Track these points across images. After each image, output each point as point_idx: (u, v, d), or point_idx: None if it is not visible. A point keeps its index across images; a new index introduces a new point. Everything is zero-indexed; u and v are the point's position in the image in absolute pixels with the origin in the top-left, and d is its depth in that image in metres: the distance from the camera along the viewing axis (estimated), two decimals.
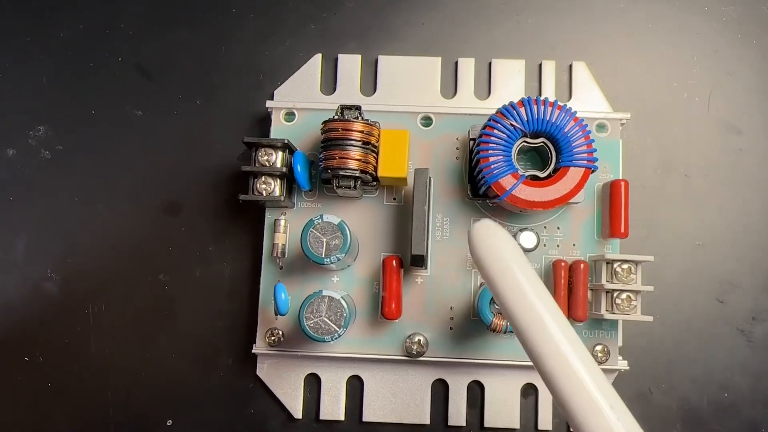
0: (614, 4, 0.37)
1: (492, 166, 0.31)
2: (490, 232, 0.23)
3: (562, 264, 0.32)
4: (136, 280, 0.35)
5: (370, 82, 0.36)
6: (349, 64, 0.36)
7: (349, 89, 0.36)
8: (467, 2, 0.37)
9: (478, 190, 0.33)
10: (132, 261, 0.36)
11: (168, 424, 0.34)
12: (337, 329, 0.30)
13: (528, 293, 0.22)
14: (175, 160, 0.36)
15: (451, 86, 0.36)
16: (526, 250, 0.32)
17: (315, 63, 0.36)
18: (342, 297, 0.30)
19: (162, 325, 0.35)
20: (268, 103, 0.35)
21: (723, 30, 0.37)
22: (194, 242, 0.36)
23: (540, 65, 0.36)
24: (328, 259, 0.30)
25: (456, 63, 0.36)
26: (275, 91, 0.36)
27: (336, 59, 0.36)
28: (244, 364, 0.35)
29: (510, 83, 0.36)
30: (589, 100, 0.36)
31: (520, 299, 0.22)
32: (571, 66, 0.36)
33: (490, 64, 0.36)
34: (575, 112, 0.31)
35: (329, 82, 0.36)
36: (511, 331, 0.31)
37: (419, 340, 0.33)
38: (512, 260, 0.23)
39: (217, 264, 0.35)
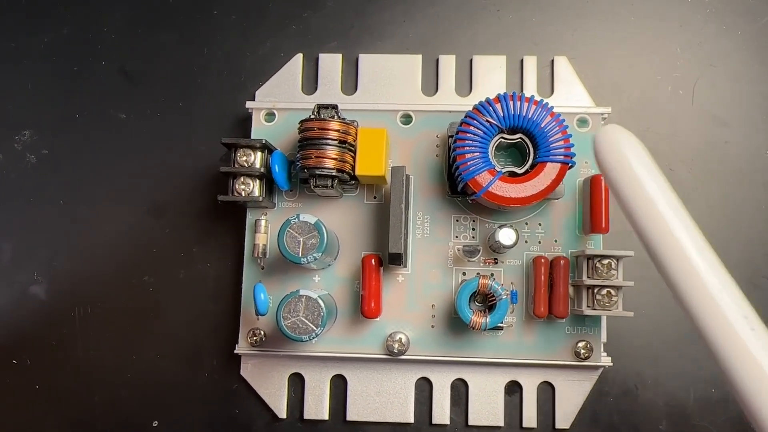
0: None
1: (468, 163, 0.30)
2: (616, 137, 0.21)
3: (542, 260, 0.32)
4: (121, 282, 0.36)
5: (351, 81, 0.36)
6: (330, 64, 0.36)
7: (330, 88, 0.36)
8: None
9: (457, 188, 0.32)
10: (117, 263, 0.36)
11: (154, 425, 0.35)
12: (315, 329, 0.30)
13: (661, 211, 0.20)
14: (159, 163, 0.36)
15: (432, 84, 0.36)
16: (505, 247, 0.31)
17: (296, 63, 0.36)
18: (319, 296, 0.30)
19: (147, 327, 0.35)
20: (248, 104, 0.35)
21: (706, 21, 0.36)
22: (178, 244, 0.36)
23: (521, 61, 0.36)
24: (305, 259, 0.30)
25: (437, 60, 0.36)
26: (256, 92, 0.36)
27: (317, 59, 0.36)
28: (229, 365, 0.35)
29: (491, 79, 0.36)
30: (571, 95, 0.35)
31: (650, 217, 0.20)
32: (552, 61, 0.36)
33: (471, 60, 0.36)
34: (552, 107, 0.31)
35: (310, 82, 0.36)
36: (492, 329, 0.31)
37: (400, 339, 0.33)
38: (640, 170, 0.21)
39: (201, 265, 0.36)
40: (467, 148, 0.31)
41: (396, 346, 0.33)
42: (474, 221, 0.34)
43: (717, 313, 0.19)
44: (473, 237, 0.34)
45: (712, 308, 0.19)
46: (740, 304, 0.19)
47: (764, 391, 0.19)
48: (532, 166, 0.31)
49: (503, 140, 0.31)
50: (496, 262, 0.33)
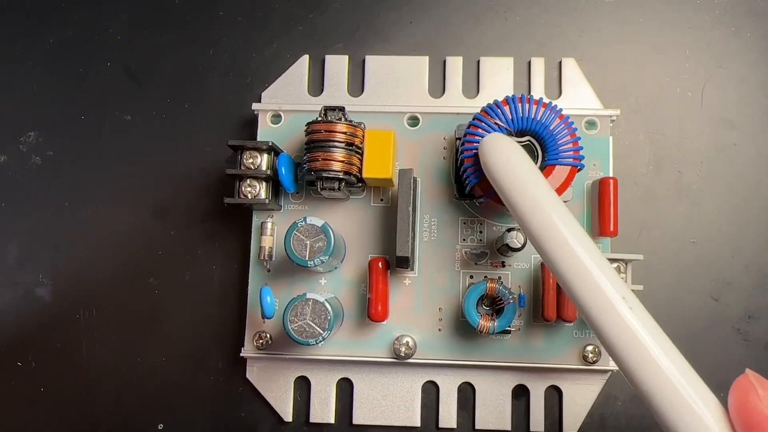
0: None
1: (476, 166, 0.30)
2: (499, 144, 0.27)
3: None
4: (126, 284, 0.36)
5: (357, 83, 0.36)
6: (337, 65, 0.36)
7: (336, 90, 0.36)
8: (455, 1, 0.37)
9: (464, 190, 0.32)
10: (122, 265, 0.36)
11: (159, 428, 0.34)
12: (322, 332, 0.30)
13: (543, 207, 0.24)
14: (165, 164, 0.36)
15: (439, 85, 0.36)
16: (513, 250, 0.31)
17: (302, 64, 0.36)
18: (326, 299, 0.30)
19: (152, 329, 0.35)
20: (254, 106, 0.35)
21: (715, 23, 0.36)
22: (183, 246, 0.36)
23: (529, 62, 0.36)
24: (312, 262, 0.30)
25: (444, 62, 0.36)
26: (262, 94, 0.36)
27: (323, 60, 0.36)
28: (234, 368, 0.35)
29: (499, 81, 0.35)
30: (579, 97, 0.35)
31: (535, 213, 0.24)
32: (560, 63, 0.36)
33: (478, 62, 0.36)
34: (561, 109, 0.31)
35: (317, 84, 0.36)
36: (499, 332, 0.31)
37: (407, 342, 0.33)
38: (521, 172, 0.26)
39: (207, 267, 0.35)
40: (475, 150, 0.30)
41: (403, 349, 0.33)
42: (481, 224, 0.33)
43: (599, 295, 0.22)
44: (480, 240, 0.33)
45: (594, 291, 0.22)
46: (617, 286, 0.22)
47: (645, 364, 0.21)
48: (541, 169, 0.31)
49: None
50: (504, 266, 0.33)
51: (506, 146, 0.27)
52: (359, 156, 0.32)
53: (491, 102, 0.31)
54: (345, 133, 0.31)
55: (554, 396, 0.33)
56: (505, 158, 0.26)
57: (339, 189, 0.31)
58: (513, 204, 0.25)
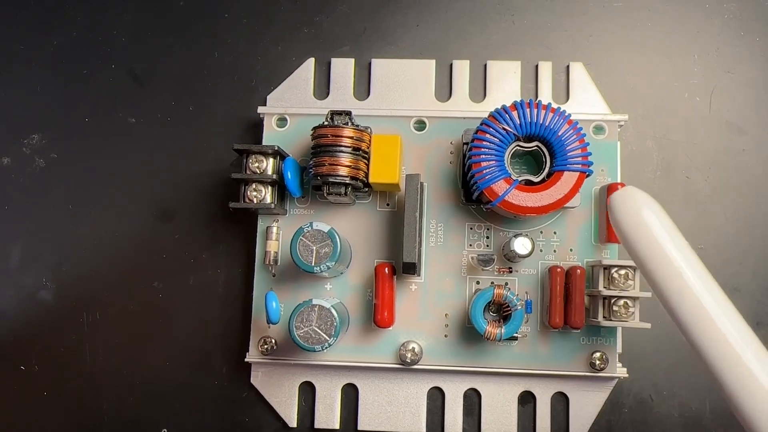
0: (612, 2, 0.36)
1: (484, 171, 0.30)
2: (633, 200, 0.22)
3: (558, 270, 0.31)
4: (130, 287, 0.35)
5: (363, 86, 0.36)
6: (342, 68, 0.36)
7: (342, 93, 0.36)
8: (461, 3, 0.37)
9: (471, 195, 0.32)
10: (126, 268, 0.35)
11: None
12: (328, 338, 0.30)
13: (682, 273, 0.21)
14: (169, 168, 0.36)
15: (445, 89, 0.36)
16: (520, 256, 0.31)
17: (308, 67, 0.36)
18: (333, 306, 0.30)
19: (156, 333, 0.35)
20: (260, 109, 0.35)
21: (724, 27, 0.36)
22: (188, 249, 0.35)
23: (536, 66, 0.36)
24: (318, 268, 0.30)
25: (451, 65, 0.36)
26: (268, 97, 0.36)
27: (329, 63, 0.36)
28: (238, 372, 0.34)
29: (506, 85, 0.35)
30: (586, 102, 0.35)
31: (672, 282, 0.21)
32: (568, 67, 0.35)
33: (485, 66, 0.36)
34: (569, 114, 0.30)
35: (322, 87, 0.36)
36: (507, 339, 0.31)
37: (413, 348, 0.32)
38: (659, 233, 0.21)
39: (211, 271, 0.35)
40: (483, 156, 0.30)
41: (409, 355, 0.32)
42: (488, 229, 0.33)
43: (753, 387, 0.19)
44: (487, 246, 0.33)
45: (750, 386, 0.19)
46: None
47: None
48: (549, 175, 0.31)
49: (519, 148, 0.31)
50: (511, 272, 0.33)
51: (644, 205, 0.22)
52: (366, 161, 0.32)
53: (499, 107, 0.31)
54: (352, 137, 0.31)
55: (561, 403, 0.33)
56: (642, 221, 0.22)
57: (345, 194, 0.31)
58: (649, 274, 0.22)
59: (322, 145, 0.31)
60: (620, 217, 0.22)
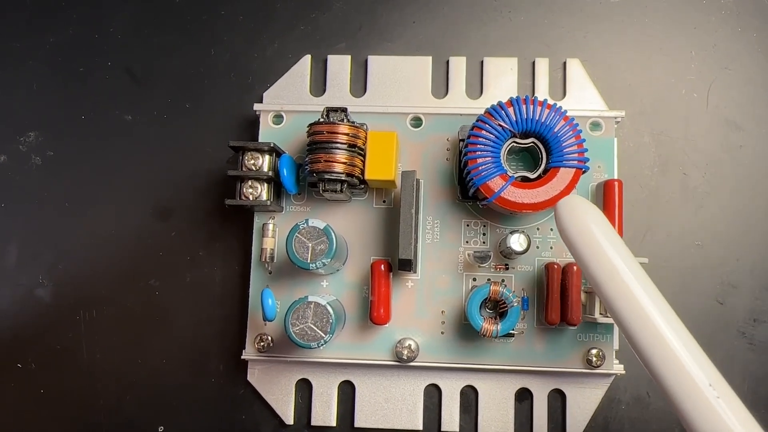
0: None
1: (480, 168, 0.30)
2: (577, 208, 0.24)
3: (555, 266, 0.31)
4: (127, 285, 0.35)
5: (359, 83, 0.36)
6: (339, 65, 0.36)
7: (338, 90, 0.36)
8: (458, 0, 0.36)
9: (468, 192, 0.32)
10: (123, 266, 0.35)
11: (159, 430, 0.34)
12: (323, 335, 0.30)
13: (622, 275, 0.23)
14: (166, 165, 0.36)
15: (442, 86, 0.36)
16: (517, 253, 0.31)
17: (304, 64, 0.36)
18: (328, 303, 0.30)
19: (153, 331, 0.35)
20: (256, 106, 0.35)
21: (721, 23, 0.36)
22: (184, 247, 0.35)
23: (533, 63, 0.35)
24: (314, 265, 0.30)
25: (447, 62, 0.36)
26: (264, 94, 0.36)
27: (325, 60, 0.36)
28: (235, 370, 0.34)
29: (502, 82, 0.35)
30: (583, 98, 0.35)
31: (613, 281, 0.23)
32: (565, 63, 0.35)
33: (482, 62, 0.36)
34: (566, 111, 0.30)
35: (319, 84, 0.36)
36: (503, 336, 0.31)
37: (410, 345, 0.32)
38: (602, 238, 0.23)
39: (208, 269, 0.35)
40: (479, 152, 0.30)
41: (405, 352, 0.32)
42: (485, 226, 0.33)
43: (688, 384, 0.21)
44: (484, 242, 0.33)
45: (684, 381, 0.21)
46: (707, 372, 0.22)
47: None
48: (545, 171, 0.30)
49: (515, 144, 0.31)
50: (507, 268, 0.33)
51: (585, 211, 0.24)
52: (362, 157, 0.31)
53: (495, 103, 0.31)
54: (347, 134, 0.31)
55: (557, 399, 0.33)
56: (584, 226, 0.24)
57: (341, 191, 0.31)
58: (592, 277, 0.23)
59: (317, 141, 0.31)
60: (566, 224, 0.24)
